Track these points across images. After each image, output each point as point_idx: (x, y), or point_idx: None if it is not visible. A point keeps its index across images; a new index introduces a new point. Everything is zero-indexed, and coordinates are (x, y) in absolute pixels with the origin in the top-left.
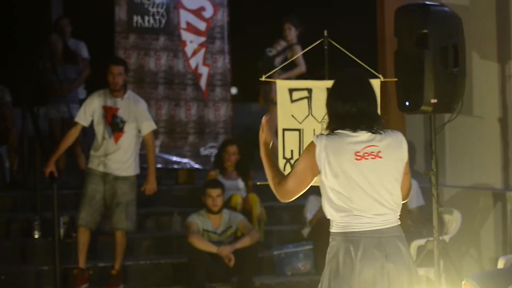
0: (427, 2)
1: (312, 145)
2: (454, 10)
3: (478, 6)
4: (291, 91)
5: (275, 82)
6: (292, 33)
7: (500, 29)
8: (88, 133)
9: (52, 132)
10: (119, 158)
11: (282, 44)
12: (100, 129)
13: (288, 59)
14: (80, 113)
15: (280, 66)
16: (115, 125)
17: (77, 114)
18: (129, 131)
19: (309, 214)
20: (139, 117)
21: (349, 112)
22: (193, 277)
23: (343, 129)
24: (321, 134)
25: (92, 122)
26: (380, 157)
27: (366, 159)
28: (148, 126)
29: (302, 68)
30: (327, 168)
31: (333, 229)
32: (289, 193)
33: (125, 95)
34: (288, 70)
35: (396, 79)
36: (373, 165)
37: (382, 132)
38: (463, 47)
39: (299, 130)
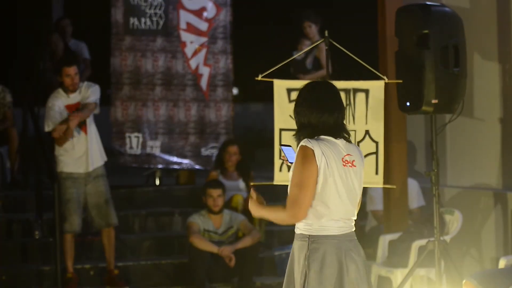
0: (428, 3)
1: (308, 150)
2: (454, 10)
3: (479, 6)
4: (289, 91)
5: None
6: (313, 30)
7: (501, 29)
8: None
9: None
10: (93, 146)
11: (306, 43)
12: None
13: (317, 58)
14: (48, 122)
15: (282, 64)
16: None
17: (46, 125)
18: (90, 116)
19: None
20: (91, 95)
21: (327, 123)
22: (193, 277)
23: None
24: (306, 139)
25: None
26: (355, 166)
27: (346, 166)
28: (94, 99)
29: (325, 70)
30: (327, 172)
31: (313, 232)
32: (304, 209)
33: (78, 88)
34: (314, 71)
35: (400, 81)
36: (353, 173)
37: (351, 141)
38: (463, 47)
39: None
